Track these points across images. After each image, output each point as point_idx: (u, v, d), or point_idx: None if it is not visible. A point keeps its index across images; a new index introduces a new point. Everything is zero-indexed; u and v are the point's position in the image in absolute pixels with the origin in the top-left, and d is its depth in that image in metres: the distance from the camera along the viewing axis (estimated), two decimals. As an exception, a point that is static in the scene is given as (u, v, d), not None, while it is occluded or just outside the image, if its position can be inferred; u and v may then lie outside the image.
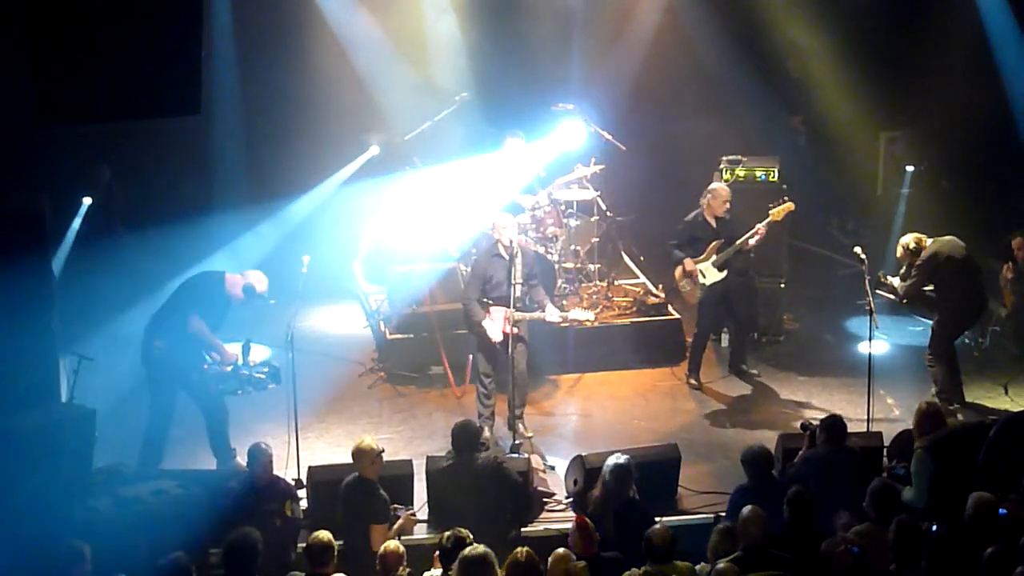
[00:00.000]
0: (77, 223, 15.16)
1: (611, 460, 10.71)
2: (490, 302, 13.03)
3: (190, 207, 16.80)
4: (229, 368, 12.26)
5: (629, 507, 10.54)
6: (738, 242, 14.26)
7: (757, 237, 14.23)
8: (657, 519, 10.26)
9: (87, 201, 15.30)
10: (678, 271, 14.52)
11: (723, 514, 10.94)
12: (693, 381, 14.72)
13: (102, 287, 15.27)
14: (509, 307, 12.80)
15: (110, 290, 15.35)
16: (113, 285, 15.48)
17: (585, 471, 11.66)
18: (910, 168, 17.60)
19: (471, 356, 13.84)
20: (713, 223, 14.43)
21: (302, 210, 17.17)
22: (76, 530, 9.72)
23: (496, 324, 12.93)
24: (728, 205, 14.40)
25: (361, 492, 10.84)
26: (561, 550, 9.49)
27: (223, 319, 12.55)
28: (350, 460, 11.04)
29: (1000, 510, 9.72)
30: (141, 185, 16.91)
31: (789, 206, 14.29)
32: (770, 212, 14.27)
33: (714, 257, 14.31)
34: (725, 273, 14.37)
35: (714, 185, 14.72)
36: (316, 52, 17.95)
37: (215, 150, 17.58)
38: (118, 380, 13.53)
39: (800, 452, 11.35)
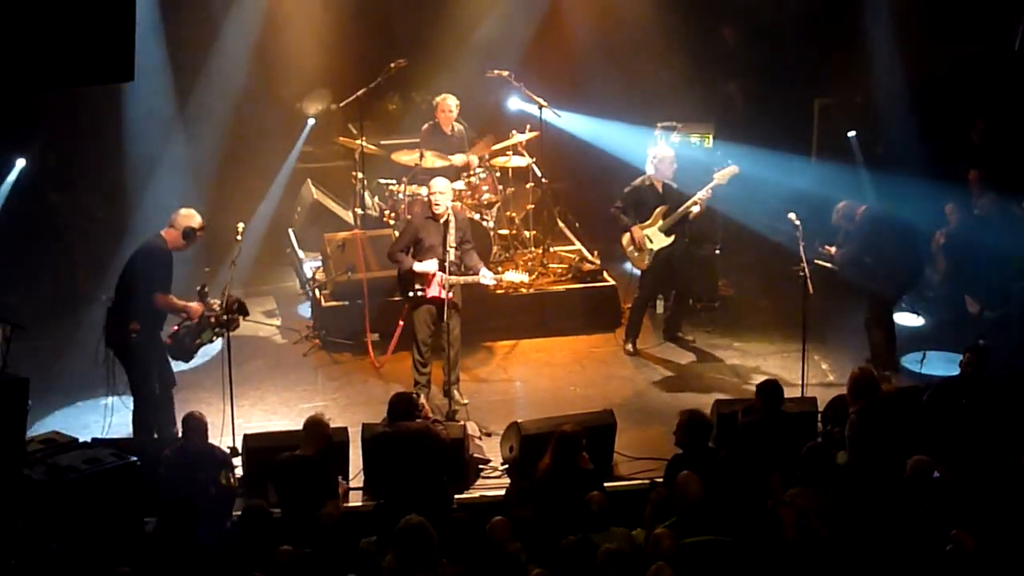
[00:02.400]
0: (11, 179, 14.89)
1: (560, 430, 10.70)
2: (424, 266, 13.01)
3: (124, 177, 16.59)
4: (197, 320, 12.14)
5: (580, 477, 10.54)
6: (684, 206, 14.26)
7: (703, 201, 14.23)
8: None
9: (21, 162, 15.02)
10: (626, 238, 14.48)
11: (659, 480, 10.98)
12: (630, 347, 14.75)
13: (31, 254, 15.12)
14: (443, 271, 12.79)
15: (39, 258, 15.19)
16: (42, 252, 15.33)
17: (521, 438, 11.66)
18: (851, 134, 17.57)
19: (400, 324, 13.79)
20: (660, 188, 14.43)
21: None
22: (8, 500, 9.61)
23: (431, 266, 12.86)
24: (675, 167, 14.41)
25: (313, 471, 10.60)
26: (499, 518, 9.51)
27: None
28: (285, 428, 10.91)
29: (934, 473, 9.85)
30: (75, 153, 16.64)
31: (733, 169, 14.26)
32: (715, 176, 14.27)
33: (661, 222, 14.31)
34: (673, 238, 14.38)
35: (660, 150, 14.69)
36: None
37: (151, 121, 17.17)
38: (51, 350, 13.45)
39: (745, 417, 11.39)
